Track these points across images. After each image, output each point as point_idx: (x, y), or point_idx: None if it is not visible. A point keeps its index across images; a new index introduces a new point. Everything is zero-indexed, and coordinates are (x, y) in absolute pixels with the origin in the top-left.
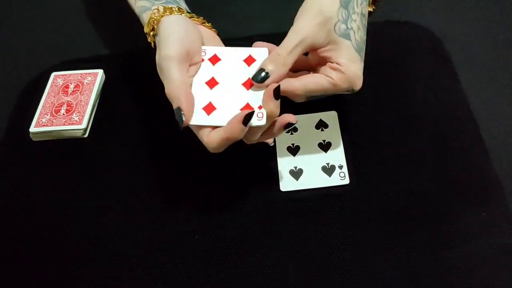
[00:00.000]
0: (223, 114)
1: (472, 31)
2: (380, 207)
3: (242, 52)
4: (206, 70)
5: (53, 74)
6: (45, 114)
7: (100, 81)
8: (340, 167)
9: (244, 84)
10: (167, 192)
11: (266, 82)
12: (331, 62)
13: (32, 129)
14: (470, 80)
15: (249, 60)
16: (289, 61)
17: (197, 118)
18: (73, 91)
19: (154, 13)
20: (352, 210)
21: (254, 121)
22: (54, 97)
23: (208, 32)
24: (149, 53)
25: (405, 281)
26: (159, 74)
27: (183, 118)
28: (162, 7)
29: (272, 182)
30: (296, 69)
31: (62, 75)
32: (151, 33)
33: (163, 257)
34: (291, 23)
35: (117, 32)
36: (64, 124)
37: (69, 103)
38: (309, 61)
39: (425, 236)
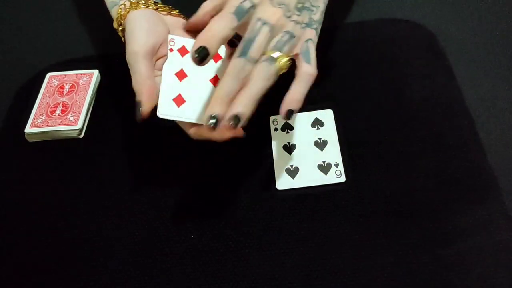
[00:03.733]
0: (192, 109)
1: (468, 27)
2: (376, 205)
3: None
4: (175, 61)
5: (48, 74)
6: (40, 114)
7: (96, 82)
8: (336, 165)
9: (212, 81)
10: (163, 192)
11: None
12: None
13: (28, 129)
14: (466, 77)
15: (216, 57)
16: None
17: (166, 110)
18: (68, 92)
19: (121, 9)
20: (348, 208)
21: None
22: (49, 97)
23: (175, 20)
24: None
25: (402, 278)
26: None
27: (141, 111)
28: (128, 2)
29: (268, 180)
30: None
31: (57, 75)
32: (119, 28)
33: (159, 256)
34: None
35: (112, 33)
36: (59, 125)
37: (64, 103)
38: None
39: (422, 234)
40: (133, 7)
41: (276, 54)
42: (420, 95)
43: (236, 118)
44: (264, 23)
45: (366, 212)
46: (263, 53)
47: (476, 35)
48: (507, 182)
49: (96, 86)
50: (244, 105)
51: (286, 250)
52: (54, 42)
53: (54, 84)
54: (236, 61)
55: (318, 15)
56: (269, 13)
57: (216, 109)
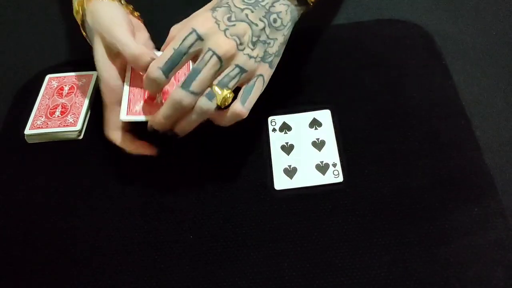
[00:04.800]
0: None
1: (464, 28)
2: (374, 205)
3: None
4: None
5: (48, 76)
6: (40, 116)
7: (95, 83)
8: (334, 165)
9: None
10: (162, 192)
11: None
12: None
13: (27, 131)
14: (463, 77)
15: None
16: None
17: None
18: (67, 93)
19: None
20: (346, 208)
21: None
22: (48, 99)
23: (136, 22)
24: None
25: (399, 277)
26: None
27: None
28: None
29: (267, 180)
30: None
31: (57, 77)
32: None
33: (157, 257)
34: None
35: None
36: (59, 126)
37: (63, 105)
38: None
39: (419, 233)
40: None
41: (219, 90)
42: (417, 95)
43: (172, 134)
44: (213, 54)
45: (364, 212)
46: (210, 85)
47: (473, 35)
48: (503, 181)
49: (95, 88)
50: (181, 130)
51: (284, 250)
52: (53, 43)
53: (54, 86)
54: (177, 92)
55: (275, 47)
56: (220, 43)
57: (155, 126)
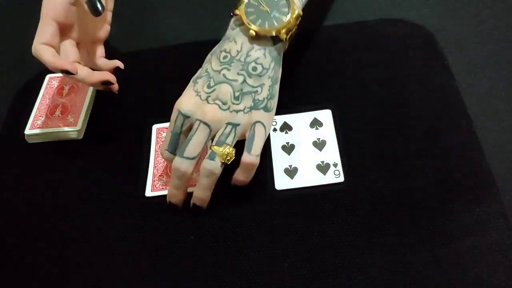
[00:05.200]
0: None
1: (466, 27)
2: (375, 205)
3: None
4: None
5: (48, 76)
6: (40, 116)
7: None
8: (335, 165)
9: None
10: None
11: None
12: None
13: (27, 131)
14: (464, 77)
15: None
16: None
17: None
18: (68, 93)
19: None
20: (346, 208)
21: None
22: (49, 99)
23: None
24: (143, 55)
25: (400, 278)
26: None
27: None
28: None
29: (267, 180)
30: None
31: (57, 77)
32: None
33: (158, 257)
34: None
35: (111, 34)
36: (59, 126)
37: (64, 104)
38: None
39: (420, 233)
40: None
41: (217, 148)
42: (418, 95)
43: (197, 207)
44: (201, 122)
45: (364, 212)
46: (209, 147)
47: (475, 35)
48: (505, 181)
49: (95, 88)
50: (199, 199)
51: (285, 250)
52: None
53: (54, 86)
54: (175, 160)
55: (264, 92)
56: (205, 112)
57: (172, 199)
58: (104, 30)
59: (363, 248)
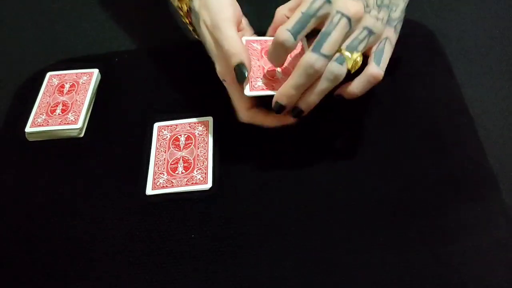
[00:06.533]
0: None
1: (467, 26)
2: (376, 204)
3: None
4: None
5: (49, 73)
6: (40, 114)
7: (96, 81)
8: None
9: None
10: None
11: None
12: None
13: (28, 129)
14: (466, 76)
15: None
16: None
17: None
18: (68, 91)
19: None
20: (348, 207)
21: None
22: (49, 97)
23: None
24: (143, 53)
25: (401, 276)
26: (208, 39)
27: (246, 74)
28: None
29: (267, 180)
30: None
31: (58, 74)
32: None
33: (159, 257)
34: None
35: (112, 32)
36: (59, 124)
37: (64, 102)
38: None
39: (421, 232)
40: None
41: (349, 54)
42: (419, 94)
43: (298, 111)
44: (342, 16)
45: (365, 211)
46: (338, 49)
47: (476, 34)
48: (506, 180)
49: (96, 85)
50: (307, 103)
51: (286, 249)
52: (54, 41)
53: (54, 83)
54: (307, 56)
55: (398, 12)
56: (348, 5)
57: (283, 100)
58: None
59: (364, 247)
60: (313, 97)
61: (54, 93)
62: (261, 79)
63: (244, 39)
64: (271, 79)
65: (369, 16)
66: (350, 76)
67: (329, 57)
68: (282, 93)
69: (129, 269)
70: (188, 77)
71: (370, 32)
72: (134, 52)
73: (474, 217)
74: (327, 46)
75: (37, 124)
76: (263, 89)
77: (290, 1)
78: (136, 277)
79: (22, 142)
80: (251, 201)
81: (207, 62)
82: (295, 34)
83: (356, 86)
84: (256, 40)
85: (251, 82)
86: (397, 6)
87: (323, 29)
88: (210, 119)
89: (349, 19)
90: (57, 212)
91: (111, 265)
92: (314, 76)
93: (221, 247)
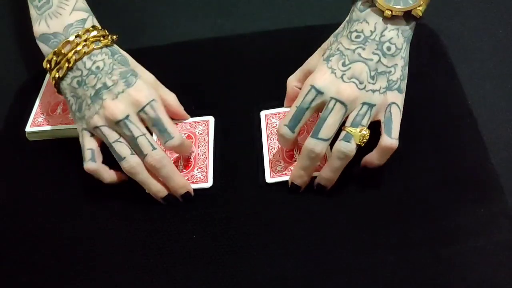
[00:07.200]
0: None
1: (470, 26)
2: (377, 204)
3: None
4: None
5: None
6: (41, 113)
7: None
8: None
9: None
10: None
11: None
12: None
13: (28, 128)
14: (468, 76)
15: None
16: None
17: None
18: None
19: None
20: (349, 208)
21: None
22: (50, 96)
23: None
24: (143, 52)
25: (403, 278)
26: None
27: None
28: (76, 36)
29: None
30: None
31: None
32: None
33: (160, 257)
34: (288, 20)
35: (111, 31)
36: (60, 124)
37: (65, 102)
38: None
39: (424, 233)
40: (91, 43)
41: (354, 130)
42: (421, 94)
43: (321, 188)
44: (337, 101)
45: (367, 211)
46: (343, 129)
47: (479, 34)
48: (509, 181)
49: None
50: (327, 180)
51: (287, 249)
52: None
53: None
54: (307, 142)
55: (397, 73)
56: (340, 90)
57: (296, 181)
58: None
59: (366, 248)
60: (331, 175)
61: (54, 92)
62: (281, 162)
63: (263, 113)
64: (290, 162)
65: (365, 92)
66: (367, 147)
67: (327, 140)
68: (294, 175)
69: (129, 269)
70: (188, 77)
71: (370, 105)
72: (134, 52)
73: (477, 219)
74: (324, 130)
75: (37, 123)
76: (283, 175)
77: (297, 72)
78: (136, 277)
79: (23, 142)
80: (251, 201)
81: (207, 62)
82: (292, 128)
83: (376, 158)
84: (274, 114)
85: (271, 167)
86: (395, 66)
87: (321, 115)
88: (210, 118)
89: (343, 103)
90: (57, 212)
91: (111, 265)
92: (317, 159)
93: (221, 247)
